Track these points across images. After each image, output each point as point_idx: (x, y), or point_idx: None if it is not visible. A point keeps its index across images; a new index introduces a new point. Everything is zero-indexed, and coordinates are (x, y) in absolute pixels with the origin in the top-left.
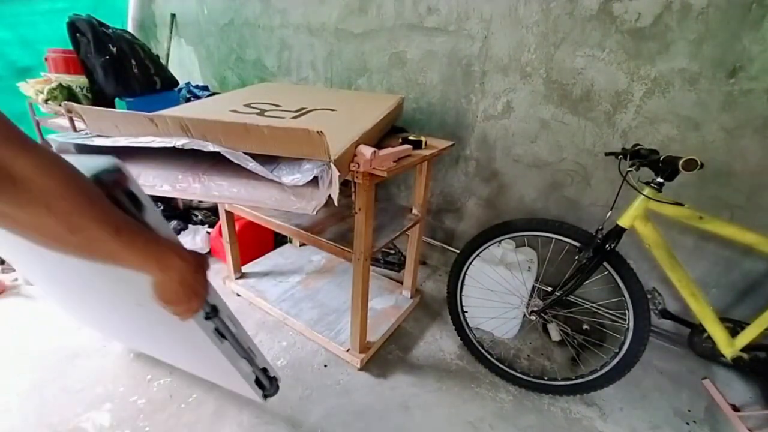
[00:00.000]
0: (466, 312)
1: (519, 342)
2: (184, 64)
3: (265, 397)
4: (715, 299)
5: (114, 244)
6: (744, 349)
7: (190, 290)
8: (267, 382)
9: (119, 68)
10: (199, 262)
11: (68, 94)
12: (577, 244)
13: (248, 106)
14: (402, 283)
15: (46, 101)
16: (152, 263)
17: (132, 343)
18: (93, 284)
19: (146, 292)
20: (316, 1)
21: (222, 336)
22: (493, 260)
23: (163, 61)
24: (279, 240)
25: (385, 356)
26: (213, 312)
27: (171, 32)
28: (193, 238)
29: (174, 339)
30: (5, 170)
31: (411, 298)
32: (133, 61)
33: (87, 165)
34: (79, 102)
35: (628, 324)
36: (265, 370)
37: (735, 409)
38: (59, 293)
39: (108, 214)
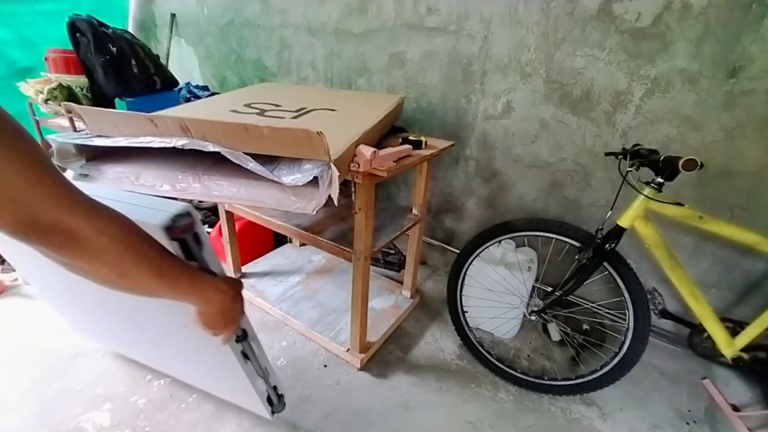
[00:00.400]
0: (466, 312)
1: (519, 342)
2: (184, 64)
3: (273, 413)
4: (715, 299)
5: (156, 285)
6: (744, 349)
7: (228, 317)
8: (276, 400)
9: (119, 68)
10: (236, 291)
11: (68, 94)
12: (577, 244)
13: (248, 106)
14: (402, 283)
15: (46, 101)
16: (193, 297)
17: (138, 353)
18: (124, 303)
19: (189, 317)
20: (316, 1)
21: (246, 357)
22: (493, 260)
23: (163, 61)
24: (279, 240)
25: (385, 356)
26: (243, 336)
27: (171, 32)
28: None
29: (197, 357)
30: (71, 233)
31: (411, 298)
32: (133, 61)
33: (164, 209)
34: (79, 102)
35: (628, 324)
36: (275, 388)
37: (735, 409)
38: (64, 300)
39: (153, 262)
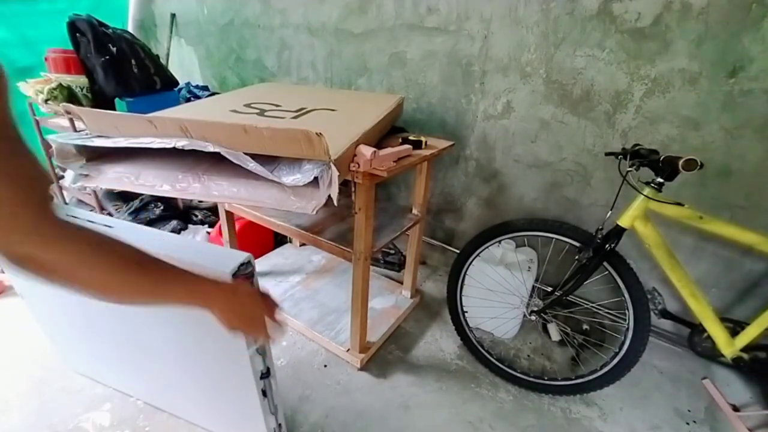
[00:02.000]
0: (466, 312)
1: (519, 342)
2: (184, 64)
3: None
4: (715, 299)
5: (142, 288)
6: (744, 349)
7: (248, 316)
8: None
9: (119, 68)
10: (234, 286)
11: (68, 94)
12: (577, 244)
13: (248, 106)
14: (402, 283)
15: (46, 101)
16: (191, 298)
17: (132, 385)
18: (146, 334)
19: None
20: (316, 1)
21: (264, 394)
22: (493, 260)
23: (163, 61)
24: (279, 240)
25: (385, 356)
26: (267, 373)
27: (171, 32)
28: (193, 238)
29: (213, 392)
30: (42, 262)
31: (411, 298)
32: (133, 61)
33: (227, 259)
34: (79, 102)
35: (628, 324)
36: (280, 426)
37: (735, 409)
38: (63, 325)
39: (130, 268)
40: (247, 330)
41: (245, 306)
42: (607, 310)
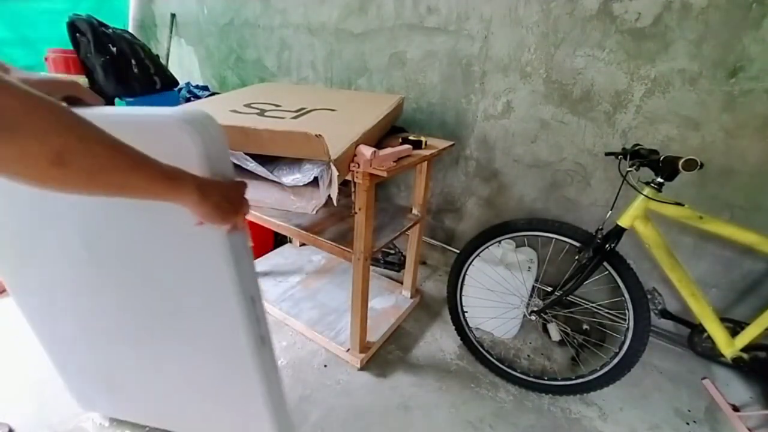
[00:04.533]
0: (466, 312)
1: (519, 342)
2: (184, 64)
3: None
4: (715, 299)
5: (129, 167)
6: (744, 349)
7: (224, 205)
8: None
9: (119, 68)
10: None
11: None
12: (577, 244)
13: (248, 106)
14: (402, 283)
15: None
16: (172, 186)
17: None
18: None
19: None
20: (316, 1)
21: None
22: (493, 260)
23: (163, 61)
24: (279, 240)
25: (385, 356)
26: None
27: (171, 32)
28: None
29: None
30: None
31: (411, 298)
32: (133, 61)
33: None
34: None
35: (628, 324)
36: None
37: (735, 409)
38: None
39: (115, 146)
40: (223, 220)
41: (225, 195)
42: (607, 310)
